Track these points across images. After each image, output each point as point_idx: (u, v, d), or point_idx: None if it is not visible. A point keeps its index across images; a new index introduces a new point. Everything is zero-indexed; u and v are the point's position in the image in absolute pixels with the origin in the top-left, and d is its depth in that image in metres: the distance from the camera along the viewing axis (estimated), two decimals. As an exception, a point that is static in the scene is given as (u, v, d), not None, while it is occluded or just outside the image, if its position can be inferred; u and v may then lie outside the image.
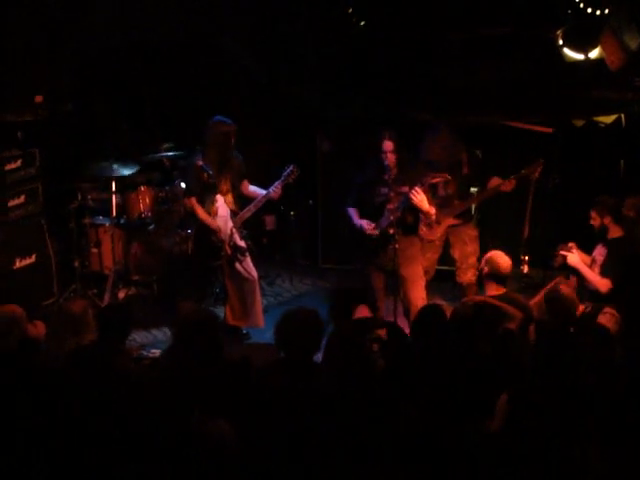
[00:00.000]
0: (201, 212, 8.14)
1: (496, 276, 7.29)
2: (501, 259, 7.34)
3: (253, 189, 8.50)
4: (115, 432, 4.88)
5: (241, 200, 8.49)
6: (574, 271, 7.84)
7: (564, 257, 7.78)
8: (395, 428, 4.84)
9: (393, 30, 10.51)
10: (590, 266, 7.69)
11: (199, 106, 10.66)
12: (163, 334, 8.66)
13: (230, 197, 8.26)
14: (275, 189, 8.28)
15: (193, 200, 8.17)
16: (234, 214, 8.24)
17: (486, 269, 7.36)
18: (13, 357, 5.79)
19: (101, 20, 9.92)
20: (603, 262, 7.61)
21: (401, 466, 4.62)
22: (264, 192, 8.34)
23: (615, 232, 7.69)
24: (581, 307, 7.19)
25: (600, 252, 7.69)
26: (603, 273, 7.57)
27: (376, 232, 7.92)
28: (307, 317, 5.46)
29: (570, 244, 7.79)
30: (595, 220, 7.75)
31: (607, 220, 7.69)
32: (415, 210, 7.92)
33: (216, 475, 4.48)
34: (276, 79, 11.32)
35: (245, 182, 8.48)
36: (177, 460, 4.59)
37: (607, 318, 7.21)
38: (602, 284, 7.51)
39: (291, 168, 8.33)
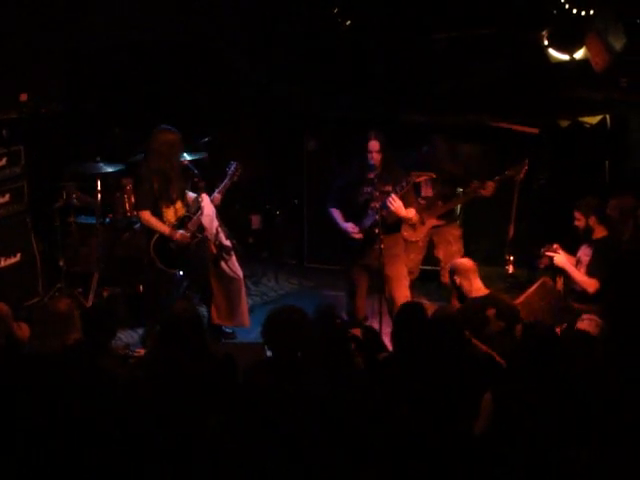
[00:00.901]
0: (155, 223, 8.03)
1: (467, 276, 7.35)
2: (462, 261, 7.55)
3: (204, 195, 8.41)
4: (101, 431, 4.88)
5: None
6: (560, 272, 7.87)
7: (550, 258, 7.79)
8: (381, 426, 4.85)
9: (380, 30, 10.53)
10: (575, 266, 7.71)
11: (186, 105, 10.69)
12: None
13: (180, 204, 8.19)
14: (216, 195, 8.24)
15: (144, 214, 8.08)
16: (188, 219, 8.15)
17: (456, 279, 7.42)
18: (1, 354, 5.79)
19: (92, 20, 9.93)
20: (589, 262, 7.61)
21: (387, 464, 4.63)
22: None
23: (600, 232, 7.69)
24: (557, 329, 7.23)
25: (585, 252, 7.70)
26: (590, 273, 7.57)
27: (361, 236, 7.95)
28: (293, 315, 5.47)
29: (555, 245, 7.80)
30: (580, 221, 7.74)
31: (592, 221, 7.68)
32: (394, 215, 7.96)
33: (206, 473, 4.49)
34: (263, 78, 11.31)
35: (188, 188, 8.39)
36: (165, 458, 4.60)
37: (586, 324, 7.24)
38: (589, 284, 7.51)
39: (234, 165, 8.29)
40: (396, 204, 7.78)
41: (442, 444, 4.75)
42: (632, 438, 4.77)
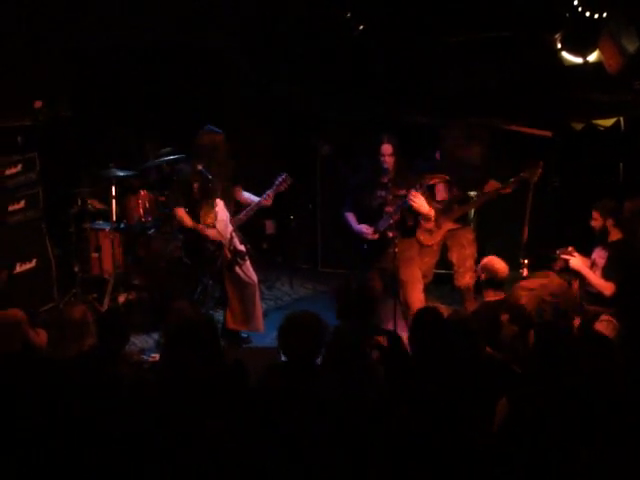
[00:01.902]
0: (189, 221, 8.14)
1: (493, 282, 7.28)
2: (498, 264, 7.34)
3: (247, 196, 8.50)
4: (115, 437, 4.89)
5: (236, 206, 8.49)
6: (575, 274, 7.83)
7: (565, 261, 7.77)
8: (394, 431, 4.85)
9: (392, 33, 10.53)
10: (590, 268, 7.68)
11: (199, 110, 10.70)
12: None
13: (221, 204, 8.25)
14: (267, 197, 8.29)
15: (180, 211, 8.19)
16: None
17: (483, 275, 7.37)
18: (16, 359, 5.81)
19: (100, 24, 9.95)
20: (605, 265, 7.58)
21: (401, 469, 4.63)
22: (257, 199, 8.36)
23: (615, 235, 7.66)
24: (576, 320, 7.20)
25: (600, 255, 7.67)
26: (606, 276, 7.54)
27: (376, 236, 7.97)
28: (310, 321, 5.47)
29: (570, 248, 7.77)
30: (597, 221, 7.71)
31: (609, 222, 7.66)
32: (414, 213, 7.96)
33: (216, 477, 4.49)
34: (276, 82, 11.33)
35: (238, 188, 8.47)
36: (177, 462, 4.60)
37: (604, 325, 7.20)
38: (606, 287, 7.48)
39: (283, 177, 8.34)
40: (418, 201, 7.79)
41: (456, 448, 4.74)
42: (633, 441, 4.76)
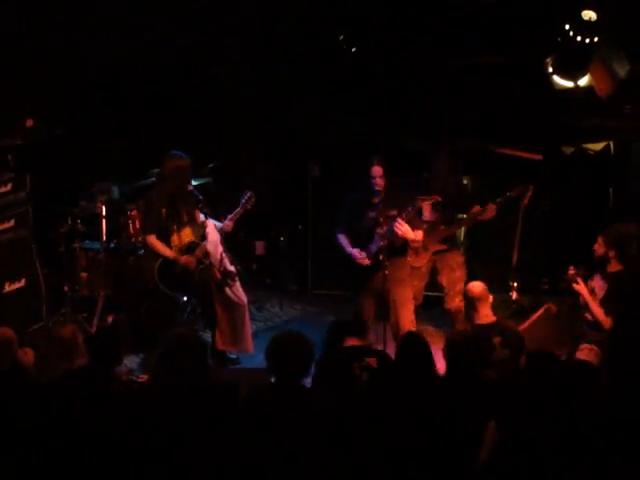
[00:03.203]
0: (160, 247, 8.08)
1: (474, 304, 7.31)
2: (474, 288, 7.39)
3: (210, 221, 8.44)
4: (106, 455, 4.88)
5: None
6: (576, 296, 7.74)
7: (570, 282, 7.63)
8: (384, 453, 4.84)
9: (386, 57, 10.58)
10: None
11: (191, 131, 10.72)
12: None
13: (188, 230, 8.22)
14: (227, 222, 8.26)
15: (151, 238, 8.13)
16: (196, 245, 8.18)
17: (465, 302, 7.42)
18: (6, 378, 5.79)
19: (93, 43, 9.95)
20: (604, 297, 7.46)
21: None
22: (217, 224, 8.33)
23: (615, 266, 7.49)
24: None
25: (599, 285, 7.54)
26: (605, 310, 7.39)
27: (367, 262, 7.99)
28: (297, 341, 5.46)
29: (571, 271, 7.65)
30: (600, 248, 7.53)
31: (612, 253, 7.48)
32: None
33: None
34: (267, 104, 11.36)
35: (197, 213, 8.43)
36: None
37: (585, 353, 7.16)
38: (605, 321, 7.33)
39: (248, 195, 8.30)
40: (403, 228, 7.83)
41: (445, 469, 4.74)
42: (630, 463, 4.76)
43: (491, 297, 7.39)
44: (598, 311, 7.43)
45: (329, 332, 6.38)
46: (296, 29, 10.88)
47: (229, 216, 8.27)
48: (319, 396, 5.37)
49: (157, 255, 8.09)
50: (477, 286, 7.40)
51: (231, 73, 11.36)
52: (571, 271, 7.60)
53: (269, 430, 5.04)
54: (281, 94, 11.26)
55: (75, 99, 10.47)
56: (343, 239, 8.20)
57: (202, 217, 8.22)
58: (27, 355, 6.44)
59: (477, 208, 8.79)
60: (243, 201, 8.28)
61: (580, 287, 7.55)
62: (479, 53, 10.08)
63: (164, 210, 8.04)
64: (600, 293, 7.53)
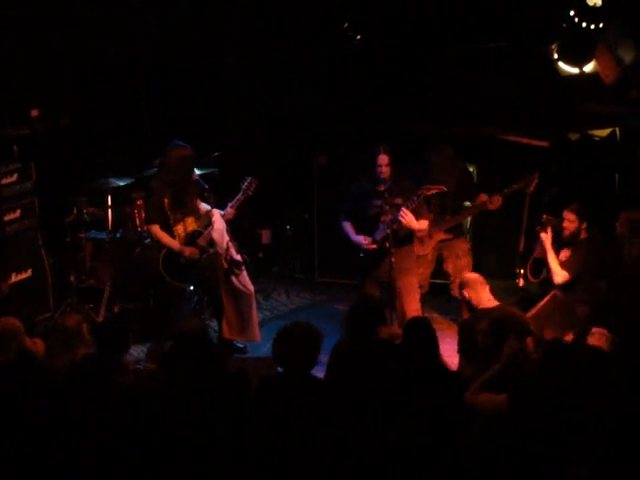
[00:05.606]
0: (164, 238, 8.07)
1: (474, 288, 7.39)
2: (466, 275, 7.73)
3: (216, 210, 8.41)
4: (115, 445, 4.90)
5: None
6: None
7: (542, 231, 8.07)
8: (394, 442, 4.86)
9: (390, 44, 10.56)
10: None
11: (196, 120, 10.72)
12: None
13: (191, 219, 8.21)
14: (228, 209, 8.22)
15: (154, 228, 8.13)
16: (199, 234, 8.19)
17: (465, 293, 7.44)
18: (12, 368, 5.80)
19: (100, 35, 9.96)
20: (567, 258, 7.94)
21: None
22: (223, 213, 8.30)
23: (583, 236, 7.99)
24: (570, 335, 7.24)
25: (565, 254, 8.00)
26: (563, 265, 7.88)
27: (374, 246, 7.97)
28: (304, 331, 5.46)
29: (545, 217, 8.13)
30: (573, 223, 7.96)
31: (583, 226, 7.96)
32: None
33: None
34: (272, 93, 11.34)
35: (201, 202, 8.42)
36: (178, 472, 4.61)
37: (597, 338, 7.17)
38: (560, 274, 7.86)
39: (248, 180, 8.27)
40: (407, 217, 7.81)
41: (450, 461, 4.75)
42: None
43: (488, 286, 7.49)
44: (554, 265, 7.92)
45: (356, 319, 6.25)
46: (303, 18, 10.86)
47: (230, 203, 8.26)
48: (329, 388, 5.38)
49: (161, 245, 8.10)
50: (473, 274, 7.71)
51: (236, 62, 11.33)
52: (545, 217, 8.13)
53: (277, 420, 5.05)
54: (287, 82, 11.24)
55: (80, 89, 10.48)
56: (348, 226, 8.18)
57: (208, 206, 8.23)
58: (37, 345, 6.45)
59: (483, 196, 8.80)
60: (244, 187, 8.25)
61: (546, 236, 8.04)
62: (485, 39, 10.05)
63: (166, 200, 8.03)
64: (563, 259, 7.99)
